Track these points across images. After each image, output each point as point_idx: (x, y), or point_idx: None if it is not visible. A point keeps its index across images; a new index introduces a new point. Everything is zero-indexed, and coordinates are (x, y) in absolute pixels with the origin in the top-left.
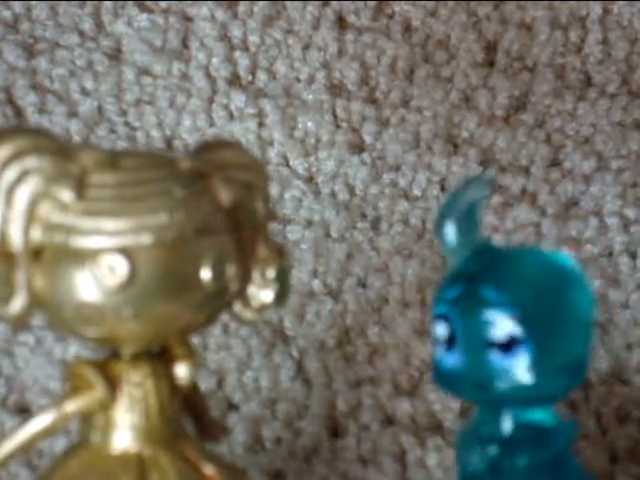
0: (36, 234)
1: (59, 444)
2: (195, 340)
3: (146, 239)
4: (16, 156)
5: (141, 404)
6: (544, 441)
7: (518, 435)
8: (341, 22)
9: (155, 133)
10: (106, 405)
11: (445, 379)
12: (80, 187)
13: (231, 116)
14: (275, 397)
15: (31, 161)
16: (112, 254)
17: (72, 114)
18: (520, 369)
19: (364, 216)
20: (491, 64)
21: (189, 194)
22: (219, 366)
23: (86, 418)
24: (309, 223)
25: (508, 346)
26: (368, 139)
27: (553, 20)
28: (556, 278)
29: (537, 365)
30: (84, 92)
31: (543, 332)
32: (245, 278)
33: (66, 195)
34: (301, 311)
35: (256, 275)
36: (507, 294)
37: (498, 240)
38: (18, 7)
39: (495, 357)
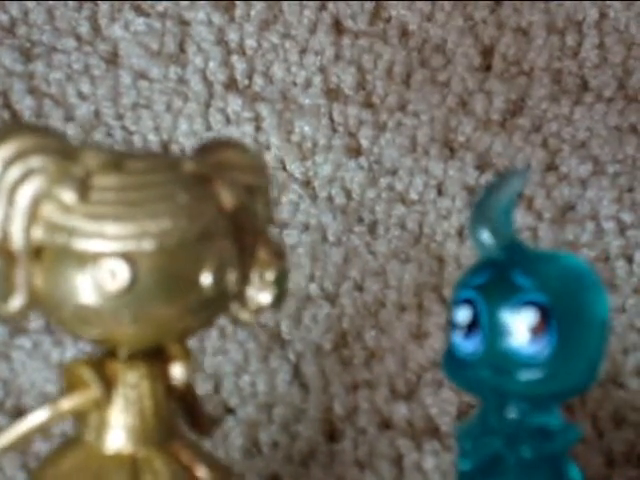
0: (37, 233)
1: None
2: (192, 344)
3: (148, 245)
4: (20, 155)
5: (136, 405)
6: (548, 438)
7: (524, 429)
8: (338, 26)
9: (152, 137)
10: (101, 405)
11: (461, 365)
12: (83, 189)
13: (228, 120)
14: (272, 401)
15: (35, 160)
16: (114, 259)
17: (69, 118)
18: (543, 358)
19: (361, 220)
20: (488, 68)
21: (192, 199)
22: (216, 370)
23: (81, 417)
24: (306, 227)
25: (534, 333)
26: (365, 143)
27: (549, 24)
28: (576, 279)
29: (558, 357)
30: (81, 96)
31: (566, 326)
32: (244, 280)
33: (69, 196)
34: (298, 315)
35: (255, 277)
36: (537, 281)
37: None
38: (15, 11)
39: (519, 344)
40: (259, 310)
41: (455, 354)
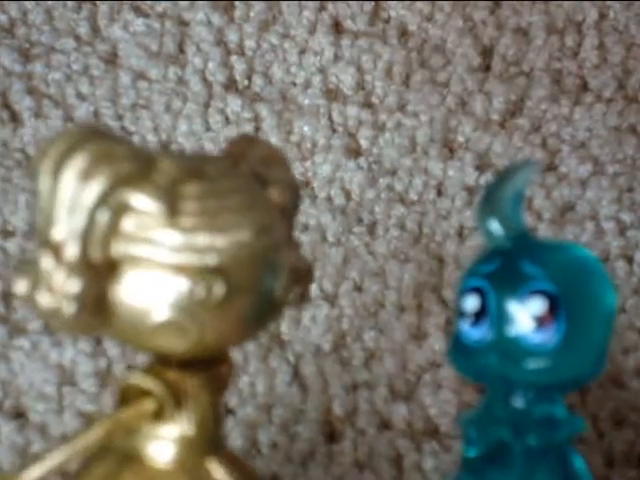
0: (118, 246)
1: None
2: None
3: (241, 256)
4: (102, 163)
5: (197, 414)
6: (554, 427)
7: (529, 418)
8: (337, 27)
9: (151, 137)
10: (162, 414)
11: (467, 353)
12: (171, 199)
13: (227, 120)
14: (271, 402)
15: (119, 169)
16: (210, 273)
17: (68, 118)
18: (550, 347)
19: (360, 220)
20: (487, 69)
21: (265, 203)
22: None
23: (135, 430)
24: (305, 227)
25: (542, 321)
26: (364, 144)
27: (549, 25)
28: (584, 268)
29: (566, 346)
30: (80, 96)
31: (574, 316)
32: None
33: (156, 208)
34: (297, 316)
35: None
36: (546, 270)
37: None
38: (14, 11)
39: (527, 332)
40: (285, 309)
41: (462, 342)
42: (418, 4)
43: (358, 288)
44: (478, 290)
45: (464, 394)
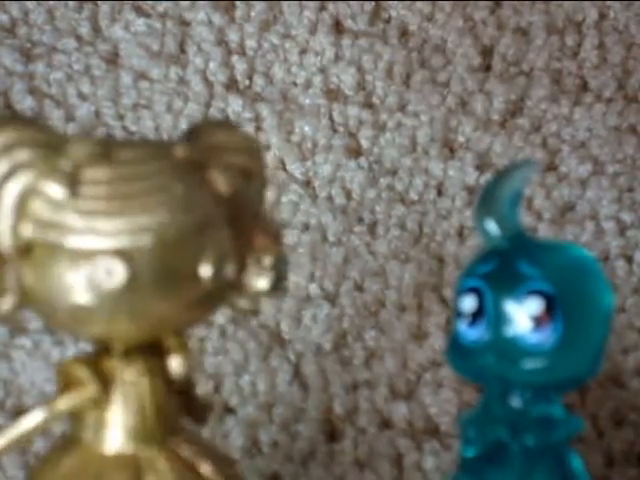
0: (27, 231)
1: None
2: (192, 344)
3: (144, 240)
4: (5, 149)
5: (136, 403)
6: (552, 427)
7: (527, 418)
8: (338, 27)
9: (152, 137)
10: (99, 403)
11: (465, 353)
12: (73, 183)
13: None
14: (272, 401)
15: (20, 154)
16: (109, 256)
17: (69, 118)
18: (547, 347)
19: (361, 220)
20: (487, 69)
21: (187, 189)
22: (216, 370)
23: (78, 416)
24: (306, 227)
25: (539, 321)
26: (365, 143)
27: (549, 25)
28: (581, 269)
29: (563, 346)
30: (81, 96)
31: (571, 316)
32: (241, 267)
33: (58, 191)
34: (298, 315)
35: (252, 263)
36: (543, 270)
37: None
38: (15, 11)
39: (524, 333)
40: (257, 296)
41: (459, 342)
42: (418, 4)
43: (359, 287)
44: (475, 290)
45: (464, 393)
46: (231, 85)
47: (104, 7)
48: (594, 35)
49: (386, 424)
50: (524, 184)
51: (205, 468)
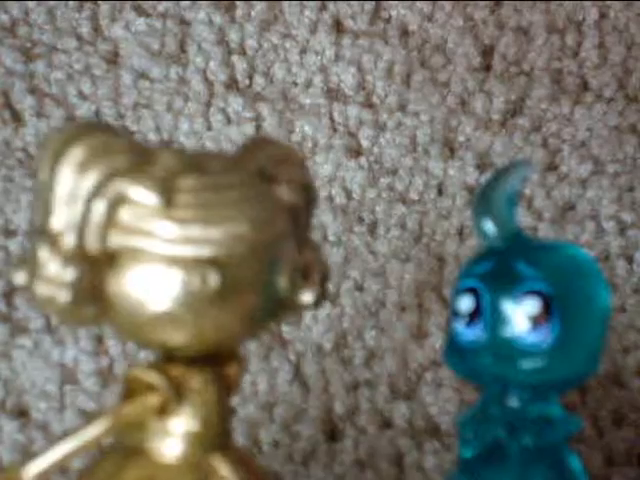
0: (115, 238)
1: None
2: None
3: (237, 249)
4: (99, 155)
5: (202, 410)
6: (549, 427)
7: (525, 418)
8: (338, 26)
9: (152, 137)
10: (166, 410)
11: (463, 353)
12: (168, 191)
13: (228, 120)
14: (272, 400)
15: (116, 161)
16: (204, 264)
17: (70, 118)
18: (545, 347)
19: (361, 220)
20: (488, 68)
21: (268, 198)
22: None
23: (139, 425)
24: None
25: (536, 322)
26: (365, 143)
27: (550, 24)
28: (579, 268)
29: (560, 346)
30: (82, 96)
31: (568, 316)
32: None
33: (153, 200)
34: (298, 315)
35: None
36: (540, 271)
37: None
38: (16, 11)
39: (522, 332)
40: (302, 309)
41: (457, 342)
42: (419, 4)
43: (359, 287)
44: (472, 290)
45: (465, 393)
46: (231, 85)
47: (104, 7)
48: (594, 35)
49: (386, 424)
50: (521, 184)
51: (263, 474)
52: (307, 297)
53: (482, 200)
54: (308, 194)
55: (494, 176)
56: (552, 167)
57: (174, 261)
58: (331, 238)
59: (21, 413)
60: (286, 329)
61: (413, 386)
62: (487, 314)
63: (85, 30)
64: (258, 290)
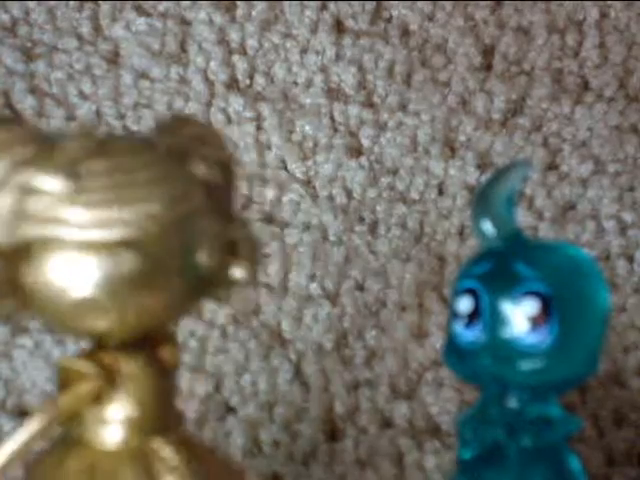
0: (26, 229)
1: None
2: (193, 344)
3: (149, 228)
4: (1, 148)
5: (136, 395)
6: (549, 427)
7: (524, 418)
8: (339, 26)
9: None
10: (101, 397)
11: (462, 354)
12: (73, 177)
13: (229, 120)
14: (273, 400)
15: (18, 152)
16: (117, 246)
17: (70, 118)
18: (544, 348)
19: (362, 219)
20: (488, 68)
21: (179, 176)
22: (217, 369)
23: (77, 415)
24: (307, 227)
25: (535, 322)
26: (366, 143)
27: (550, 24)
28: (578, 269)
29: (559, 347)
30: (82, 96)
31: (567, 316)
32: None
33: (58, 186)
34: (299, 314)
35: (227, 252)
36: (539, 271)
37: None
38: (16, 11)
39: (520, 333)
40: (233, 286)
41: (456, 343)
42: (419, 3)
43: (360, 287)
44: (471, 291)
45: (465, 393)
46: (232, 84)
47: (105, 6)
48: (595, 34)
49: (387, 423)
50: (521, 184)
51: (208, 454)
52: (237, 273)
53: (481, 200)
54: (226, 171)
55: (493, 176)
56: (553, 167)
57: (88, 246)
58: (332, 238)
59: (21, 413)
60: (286, 328)
61: (414, 386)
62: (486, 315)
63: (85, 30)
64: (179, 268)
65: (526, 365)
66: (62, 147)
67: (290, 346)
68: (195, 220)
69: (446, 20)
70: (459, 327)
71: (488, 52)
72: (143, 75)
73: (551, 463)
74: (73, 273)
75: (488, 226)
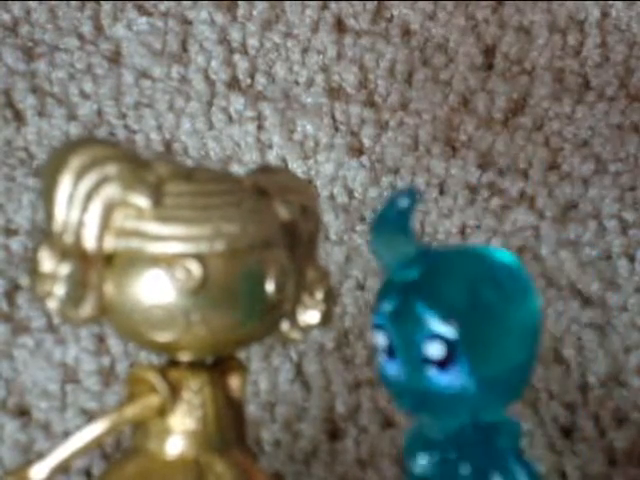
0: (110, 240)
1: None
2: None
3: (219, 246)
4: (95, 163)
5: (199, 410)
6: (489, 440)
7: (462, 438)
8: (340, 25)
9: (154, 136)
10: (166, 410)
11: (389, 386)
12: (157, 195)
13: (230, 119)
14: (274, 400)
15: (109, 168)
16: (188, 259)
17: (71, 117)
18: (457, 384)
19: (363, 219)
20: (490, 67)
21: (257, 207)
22: None
23: (142, 425)
24: None
25: (444, 363)
26: (367, 142)
27: (551, 23)
28: (497, 281)
29: (475, 378)
30: (83, 95)
31: (481, 341)
32: (296, 297)
33: (143, 202)
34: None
35: (304, 296)
36: (442, 308)
37: (497, 243)
38: (17, 10)
39: (432, 373)
40: (308, 329)
41: (383, 376)
42: (421, 3)
43: (360, 286)
44: (383, 328)
45: None
46: (233, 84)
47: (106, 6)
48: (596, 34)
49: (388, 423)
50: (406, 212)
51: (261, 478)
52: (313, 315)
53: (375, 232)
54: (310, 218)
55: (382, 207)
56: (554, 166)
57: (162, 259)
58: (333, 237)
59: (22, 412)
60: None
61: None
62: (400, 352)
63: (87, 29)
64: (245, 291)
65: (443, 402)
66: (152, 167)
67: (291, 345)
68: (268, 250)
69: (447, 19)
70: (382, 360)
71: (489, 51)
72: (144, 74)
73: (502, 472)
74: (146, 283)
75: (387, 256)
